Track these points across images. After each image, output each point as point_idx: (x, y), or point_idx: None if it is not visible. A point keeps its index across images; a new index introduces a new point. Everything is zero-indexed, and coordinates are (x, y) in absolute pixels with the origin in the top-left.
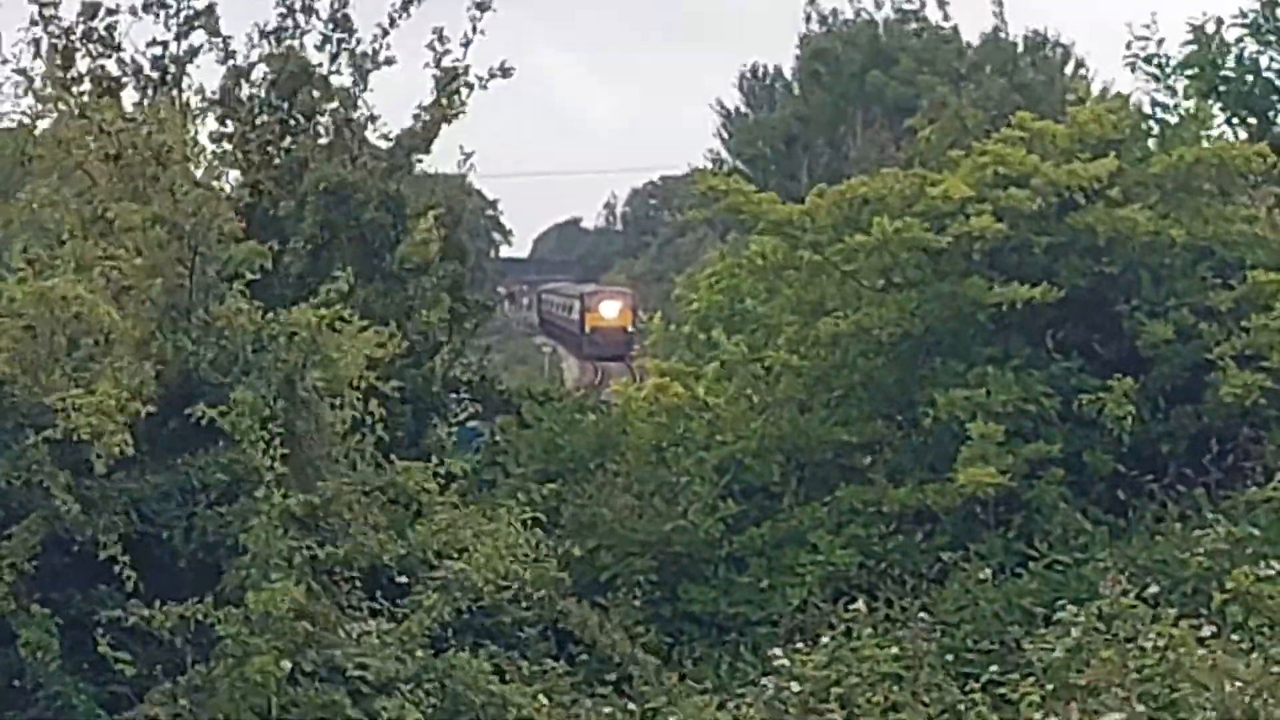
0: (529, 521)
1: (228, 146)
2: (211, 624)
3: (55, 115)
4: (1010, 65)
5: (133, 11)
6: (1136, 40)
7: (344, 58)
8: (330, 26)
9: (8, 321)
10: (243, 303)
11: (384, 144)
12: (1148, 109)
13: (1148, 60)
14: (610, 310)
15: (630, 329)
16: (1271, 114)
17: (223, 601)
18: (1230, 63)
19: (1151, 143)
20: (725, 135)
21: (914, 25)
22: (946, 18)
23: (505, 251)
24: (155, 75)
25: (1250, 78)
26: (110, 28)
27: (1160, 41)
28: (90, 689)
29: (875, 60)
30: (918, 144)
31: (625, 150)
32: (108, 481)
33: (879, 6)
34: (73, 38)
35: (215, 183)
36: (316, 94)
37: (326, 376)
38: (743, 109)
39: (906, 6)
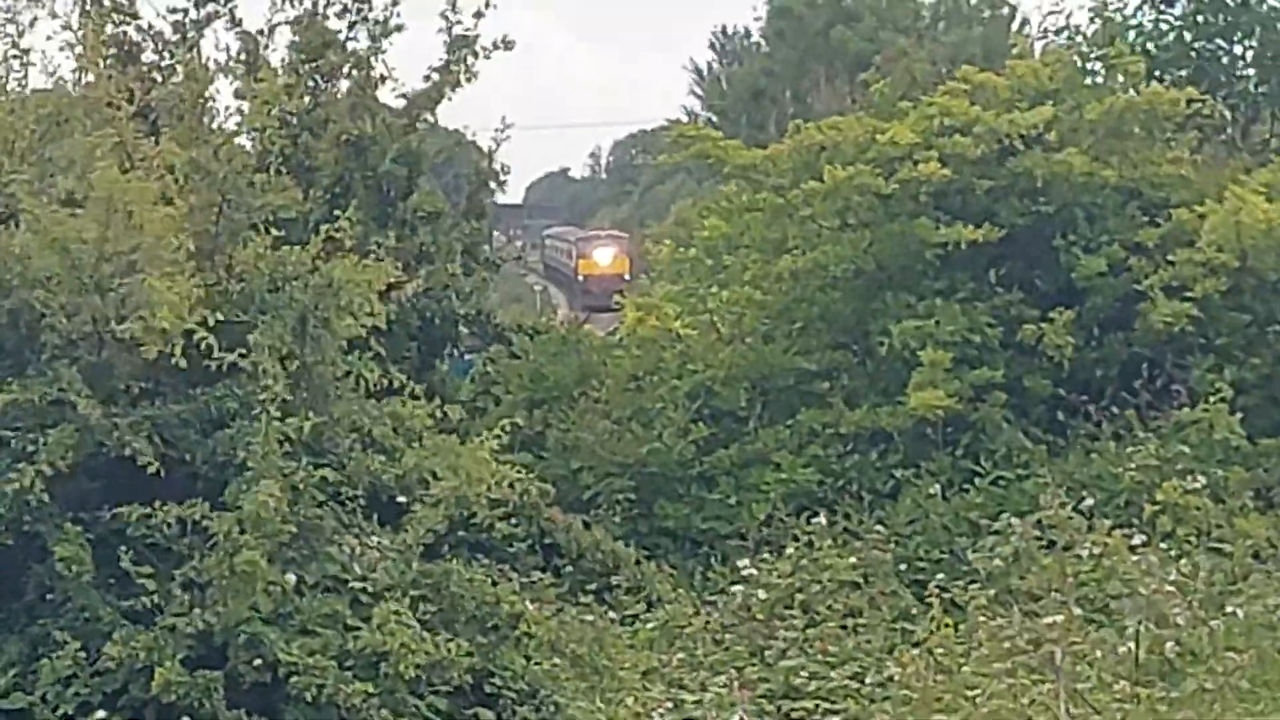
0: (504, 447)
1: (248, 104)
2: (206, 526)
3: (89, 78)
4: (966, 23)
5: None
6: (1048, 15)
7: (360, 25)
8: None
9: (56, 234)
10: (263, 247)
11: (398, 103)
12: (1079, 63)
13: (1057, 33)
14: (604, 257)
15: (626, 276)
16: (1176, 72)
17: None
18: (1130, 35)
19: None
20: (699, 91)
21: None
22: None
23: (500, 199)
24: (175, 38)
25: (1151, 46)
26: None
27: (1068, 14)
28: (115, 602)
29: (839, 17)
30: (871, 95)
31: (608, 105)
32: (133, 409)
33: None
34: (102, 5)
35: (238, 138)
36: (335, 58)
37: (339, 314)
38: (715, 66)
39: None
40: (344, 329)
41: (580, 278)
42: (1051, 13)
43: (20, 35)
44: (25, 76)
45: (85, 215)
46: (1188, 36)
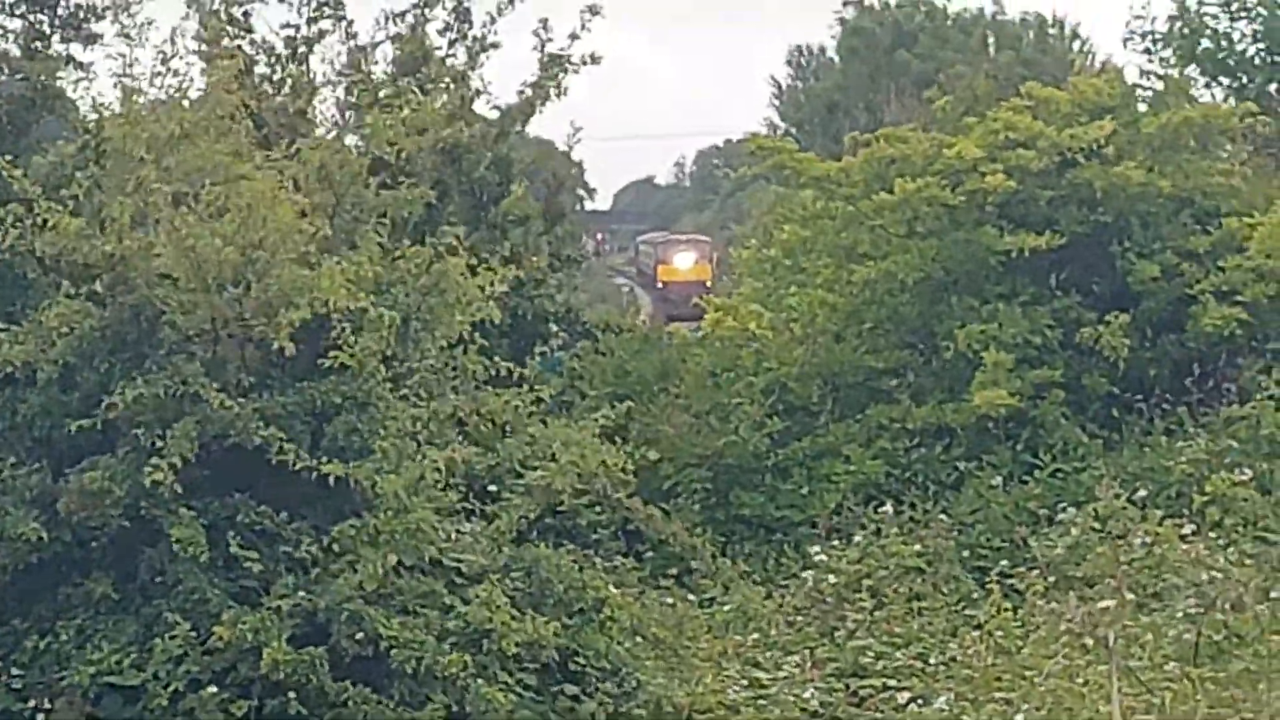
0: (612, 431)
1: (352, 113)
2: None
3: (201, 90)
4: (1016, 42)
5: None
6: (1134, 19)
7: (460, 43)
8: (452, 16)
9: (184, 234)
10: (373, 248)
11: (492, 114)
12: (1138, 78)
13: (1142, 36)
14: (684, 262)
15: (709, 284)
16: (1244, 79)
17: (356, 487)
18: (1206, 38)
19: (1141, 106)
20: (777, 104)
21: (923, 10)
22: None
23: (589, 205)
24: (286, 53)
25: (1224, 47)
26: (247, 13)
27: (1153, 19)
28: (222, 584)
29: (902, 38)
30: (935, 112)
31: (692, 117)
32: (244, 399)
33: None
34: (218, 20)
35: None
36: (434, 72)
37: (439, 315)
38: (792, 82)
39: None
40: (448, 328)
41: (659, 284)
42: (1138, 17)
43: (172, 57)
44: (161, 88)
45: (225, 222)
46: (1253, 50)
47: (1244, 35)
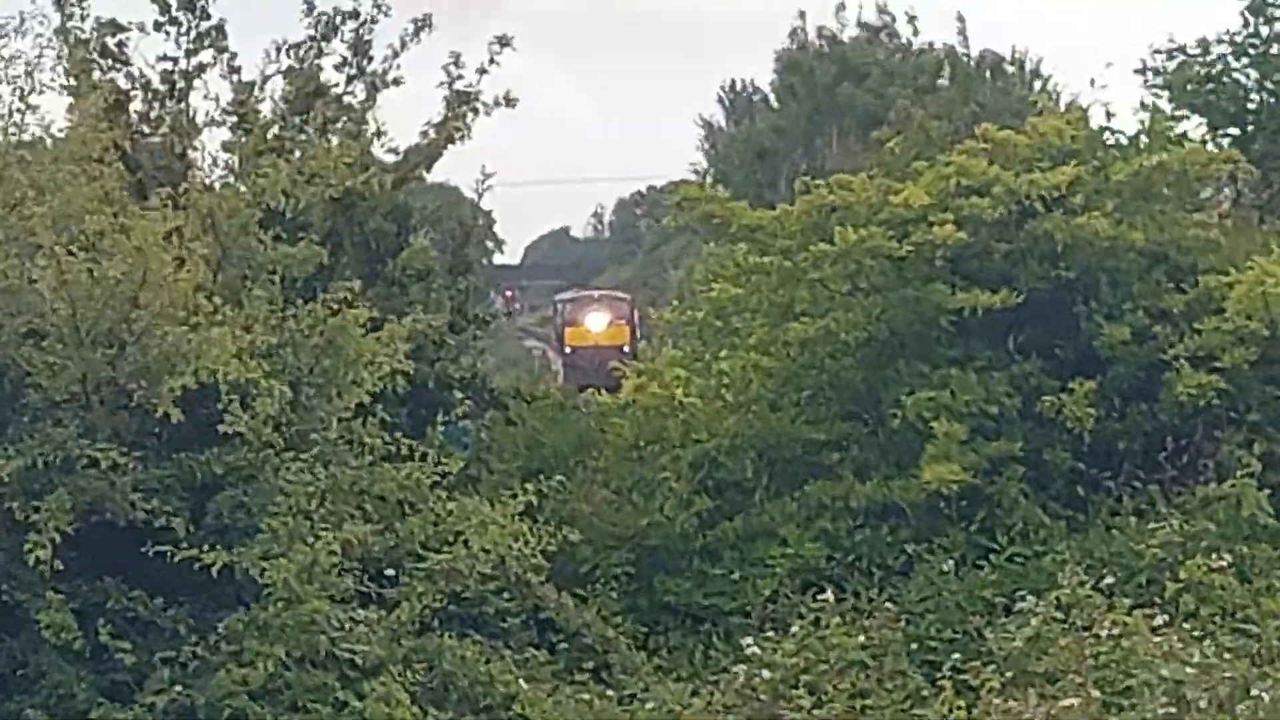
0: (524, 509)
1: (237, 155)
2: (253, 578)
3: (68, 126)
4: (969, 79)
5: (141, 28)
6: (1155, 54)
7: (358, 79)
8: (350, 49)
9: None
10: (262, 307)
11: (391, 158)
12: (1106, 120)
13: (1140, 72)
14: (597, 323)
15: (626, 348)
16: (1251, 128)
17: (241, 572)
18: (1213, 82)
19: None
20: (707, 147)
21: (881, 39)
22: (916, 33)
23: (497, 259)
24: (164, 88)
25: (1236, 95)
26: (122, 44)
27: (1168, 54)
28: (91, 677)
29: (846, 73)
30: (883, 155)
31: (611, 162)
32: (114, 473)
33: (843, 27)
34: (89, 51)
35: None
36: (329, 110)
37: (335, 378)
38: (723, 123)
39: (873, 23)
40: (346, 392)
41: (567, 349)
42: (1158, 52)
43: (31, 92)
44: (20, 128)
45: (112, 262)
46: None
47: (1257, 86)
